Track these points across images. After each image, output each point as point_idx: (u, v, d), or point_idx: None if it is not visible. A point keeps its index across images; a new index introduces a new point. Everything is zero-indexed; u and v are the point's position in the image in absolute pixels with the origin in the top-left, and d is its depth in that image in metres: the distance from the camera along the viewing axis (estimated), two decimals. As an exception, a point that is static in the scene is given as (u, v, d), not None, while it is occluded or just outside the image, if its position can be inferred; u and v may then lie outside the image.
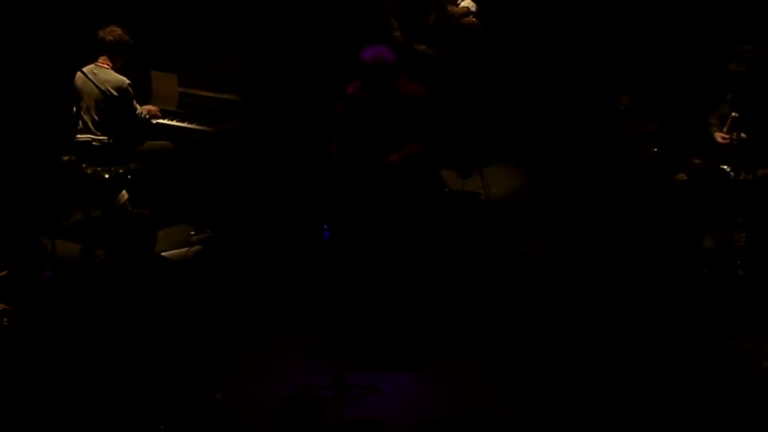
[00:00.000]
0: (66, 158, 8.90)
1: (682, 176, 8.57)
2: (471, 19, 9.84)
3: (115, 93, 8.84)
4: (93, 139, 8.89)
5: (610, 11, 10.39)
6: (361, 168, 7.93)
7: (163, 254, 9.05)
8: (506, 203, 9.90)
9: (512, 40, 10.53)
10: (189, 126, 9.40)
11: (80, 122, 8.96)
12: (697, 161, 8.53)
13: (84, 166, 8.80)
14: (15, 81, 10.01)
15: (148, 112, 9.22)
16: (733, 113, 8.45)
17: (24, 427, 6.49)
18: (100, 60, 8.94)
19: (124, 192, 8.85)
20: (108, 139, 8.77)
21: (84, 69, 8.85)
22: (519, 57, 10.63)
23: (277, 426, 5.57)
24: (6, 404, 6.69)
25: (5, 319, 7.70)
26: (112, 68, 8.91)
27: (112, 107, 8.87)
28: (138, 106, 9.03)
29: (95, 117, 8.91)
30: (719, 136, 8.52)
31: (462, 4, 9.86)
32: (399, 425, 6.04)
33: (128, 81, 8.88)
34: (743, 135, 8.38)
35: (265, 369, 7.58)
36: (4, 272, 8.14)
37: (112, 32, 8.90)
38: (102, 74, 8.87)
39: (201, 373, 6.65)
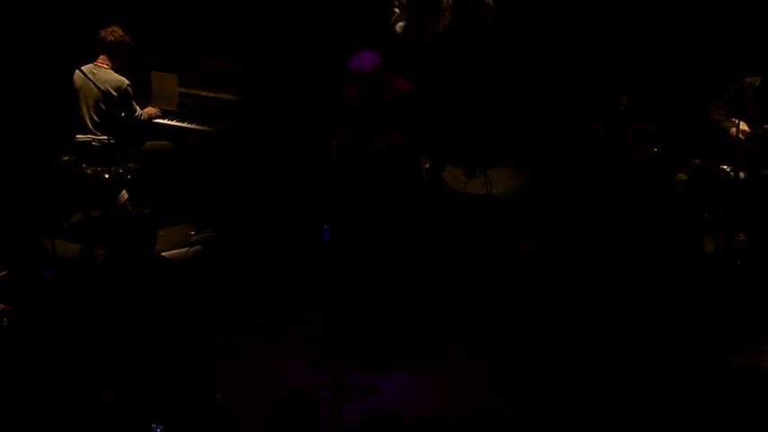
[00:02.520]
0: (66, 158, 8.90)
1: (682, 176, 8.57)
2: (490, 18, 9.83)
3: (114, 93, 8.84)
4: (93, 139, 8.90)
5: (610, 11, 10.38)
6: (356, 163, 8.10)
7: (163, 254, 9.05)
8: (506, 203, 9.90)
9: (512, 40, 10.52)
10: (189, 126, 9.39)
11: (80, 122, 8.97)
12: (697, 161, 8.53)
13: (84, 166, 8.80)
14: (15, 81, 10.01)
15: (149, 115, 9.22)
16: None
17: (25, 427, 6.49)
18: (99, 60, 8.94)
19: (124, 192, 8.85)
20: (108, 139, 8.77)
21: (83, 68, 8.85)
22: (519, 56, 10.62)
23: (271, 425, 5.57)
24: (6, 404, 6.68)
25: (5, 319, 7.71)
26: (111, 68, 8.92)
27: (111, 107, 8.87)
28: (137, 108, 9.03)
29: (94, 117, 8.91)
30: (734, 130, 8.43)
31: None
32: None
33: (127, 82, 8.88)
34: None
35: (265, 369, 7.58)
36: (4, 272, 8.15)
37: (114, 33, 8.90)
38: (101, 74, 8.87)
39: (201, 373, 6.65)
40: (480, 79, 9.89)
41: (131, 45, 8.97)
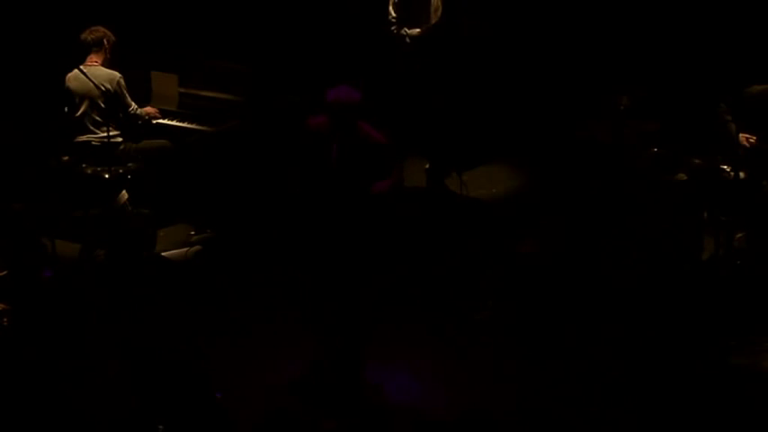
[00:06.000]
0: (66, 158, 8.90)
1: (682, 176, 8.57)
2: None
3: (110, 87, 8.84)
4: (94, 139, 8.90)
5: (610, 11, 10.39)
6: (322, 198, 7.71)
7: (163, 254, 9.05)
8: (506, 203, 9.90)
9: (512, 40, 10.53)
10: (189, 126, 9.40)
11: (78, 123, 8.97)
12: (697, 161, 8.54)
13: (84, 166, 8.80)
14: (15, 81, 10.01)
15: (147, 114, 9.21)
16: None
17: (24, 427, 6.50)
18: (88, 60, 8.93)
19: (124, 192, 8.85)
20: (108, 136, 8.76)
21: (75, 70, 8.84)
22: (519, 56, 10.63)
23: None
24: (6, 404, 6.69)
25: (5, 319, 7.71)
26: (101, 64, 8.92)
27: (110, 102, 8.86)
28: (132, 102, 9.01)
29: (94, 116, 8.90)
30: (744, 137, 8.47)
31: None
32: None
33: (119, 74, 8.88)
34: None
35: (265, 369, 7.59)
36: (4, 272, 8.15)
37: (94, 32, 8.92)
38: (92, 71, 8.84)
39: (201, 373, 6.65)
40: (454, 80, 9.83)
41: (113, 38, 8.96)
